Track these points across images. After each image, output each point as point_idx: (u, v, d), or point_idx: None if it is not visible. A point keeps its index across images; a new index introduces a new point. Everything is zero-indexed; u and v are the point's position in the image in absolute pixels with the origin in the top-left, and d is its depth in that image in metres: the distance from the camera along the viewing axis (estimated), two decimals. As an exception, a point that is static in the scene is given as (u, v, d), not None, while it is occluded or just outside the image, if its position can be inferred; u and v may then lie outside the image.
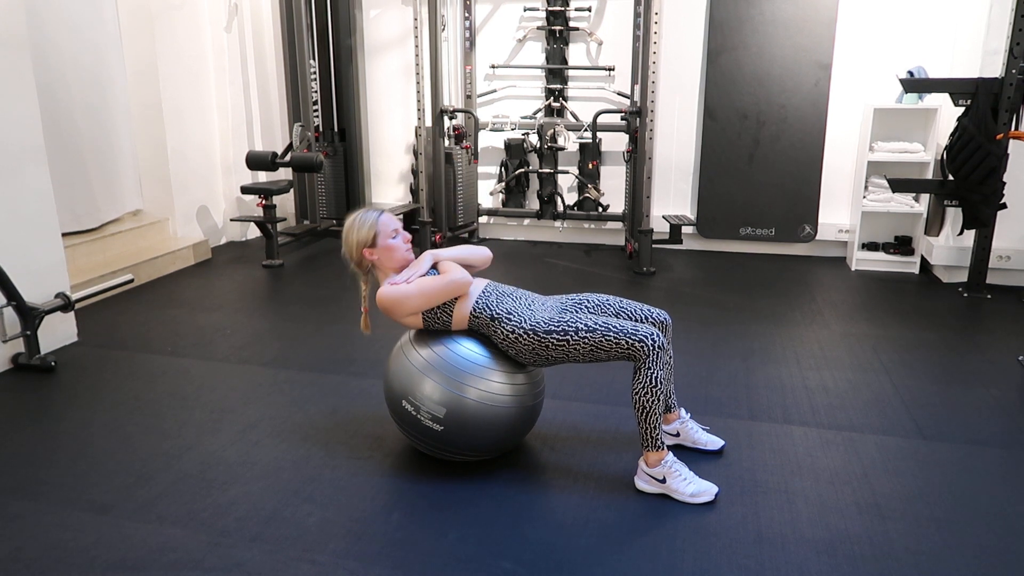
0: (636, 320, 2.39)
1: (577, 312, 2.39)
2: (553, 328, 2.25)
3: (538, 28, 5.47)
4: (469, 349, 2.32)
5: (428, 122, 5.47)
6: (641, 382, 2.19)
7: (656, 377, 2.18)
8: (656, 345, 2.18)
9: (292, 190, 5.67)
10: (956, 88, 4.15)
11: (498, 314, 2.31)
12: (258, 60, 5.82)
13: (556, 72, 5.49)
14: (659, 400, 2.19)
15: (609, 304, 2.43)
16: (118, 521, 2.14)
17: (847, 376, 3.20)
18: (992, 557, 1.99)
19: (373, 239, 2.33)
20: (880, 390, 3.06)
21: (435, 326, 2.35)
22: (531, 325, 2.27)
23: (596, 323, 2.23)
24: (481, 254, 2.50)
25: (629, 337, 2.18)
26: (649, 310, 2.43)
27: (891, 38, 4.93)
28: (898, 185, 4.53)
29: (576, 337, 2.22)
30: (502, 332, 2.29)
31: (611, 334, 2.20)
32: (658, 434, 2.23)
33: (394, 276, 2.35)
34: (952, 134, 4.21)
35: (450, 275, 2.30)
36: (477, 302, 2.33)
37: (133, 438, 2.64)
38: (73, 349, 3.51)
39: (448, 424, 2.25)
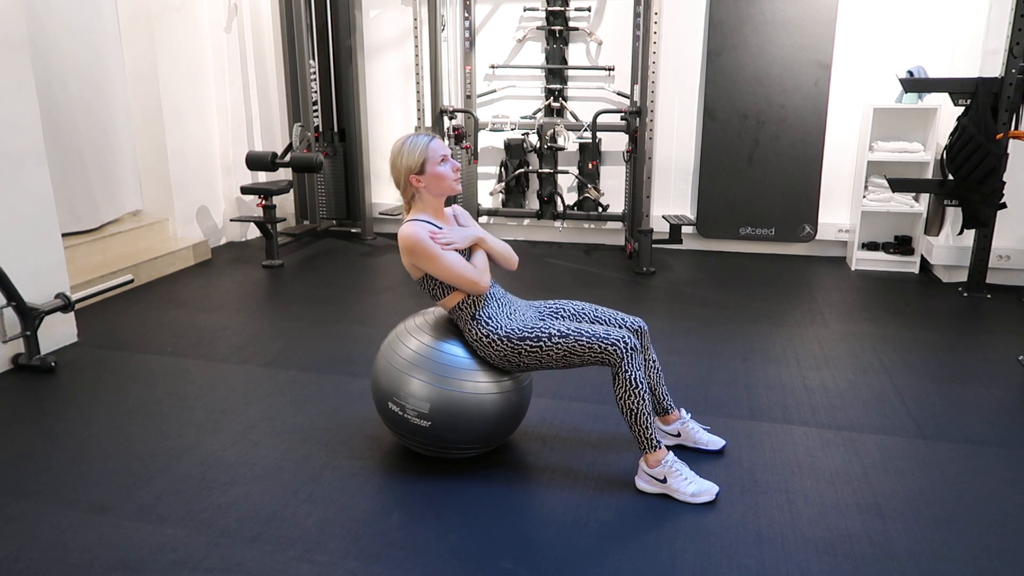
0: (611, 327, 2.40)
1: (553, 319, 2.41)
2: (527, 335, 2.27)
3: (538, 28, 5.47)
4: (452, 345, 2.34)
5: (428, 122, 5.47)
6: (621, 386, 2.21)
7: (634, 378, 2.19)
8: (628, 347, 2.20)
9: (292, 190, 5.67)
10: (956, 88, 4.15)
11: (479, 315, 2.32)
12: (258, 60, 5.82)
13: (556, 72, 5.49)
14: (644, 400, 2.20)
15: (585, 312, 2.45)
16: (118, 521, 2.14)
17: (847, 376, 3.20)
18: (993, 557, 1.99)
19: (422, 165, 2.26)
20: (880, 390, 3.06)
21: (426, 291, 2.35)
22: (506, 332, 2.29)
23: (569, 329, 2.26)
24: (513, 260, 2.49)
25: (601, 341, 2.20)
26: (624, 317, 2.45)
27: (891, 38, 4.93)
28: (898, 185, 4.53)
29: (549, 343, 2.24)
30: (477, 333, 2.31)
31: (583, 339, 2.22)
32: (651, 434, 2.23)
33: (433, 220, 2.30)
34: (952, 134, 4.20)
35: (477, 275, 2.28)
36: (468, 295, 2.33)
37: (133, 438, 2.64)
38: (73, 349, 3.51)
39: (434, 419, 2.26)
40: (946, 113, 4.54)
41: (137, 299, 4.27)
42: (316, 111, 5.64)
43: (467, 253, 2.34)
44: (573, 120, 5.50)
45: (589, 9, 5.40)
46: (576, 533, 2.09)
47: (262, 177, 5.82)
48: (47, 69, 4.17)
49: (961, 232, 4.34)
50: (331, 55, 5.67)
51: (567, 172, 5.60)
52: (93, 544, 2.04)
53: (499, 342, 2.28)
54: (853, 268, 5.00)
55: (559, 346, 2.24)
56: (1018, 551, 2.02)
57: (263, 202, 5.03)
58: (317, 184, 5.79)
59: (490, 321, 2.31)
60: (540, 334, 2.26)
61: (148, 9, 4.86)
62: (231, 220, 5.67)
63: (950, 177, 4.25)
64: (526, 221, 5.83)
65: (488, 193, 5.81)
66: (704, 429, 2.58)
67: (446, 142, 5.45)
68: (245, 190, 5.13)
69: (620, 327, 2.41)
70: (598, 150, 5.52)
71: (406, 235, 2.24)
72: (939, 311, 4.10)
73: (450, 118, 5.51)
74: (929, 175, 4.76)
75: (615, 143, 5.48)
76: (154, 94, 4.98)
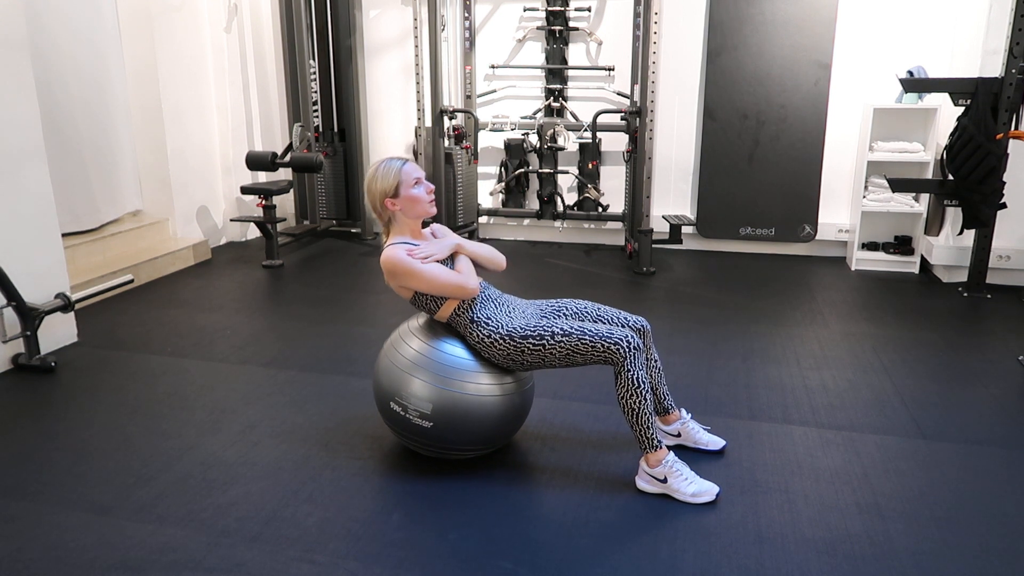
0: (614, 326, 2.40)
1: (555, 318, 2.41)
2: (529, 333, 2.27)
3: (538, 28, 5.47)
4: (454, 346, 2.34)
5: (428, 122, 5.47)
6: (623, 385, 2.21)
7: (636, 378, 2.19)
8: (631, 346, 2.20)
9: (292, 190, 5.67)
10: (956, 88, 4.15)
11: (477, 318, 2.32)
12: (258, 60, 5.82)
13: (556, 72, 5.49)
14: (645, 400, 2.20)
15: (587, 311, 2.45)
16: (118, 521, 2.14)
17: (847, 376, 3.20)
18: (993, 557, 1.99)
19: (396, 189, 2.29)
20: (880, 390, 3.06)
21: (420, 308, 2.37)
22: (508, 331, 2.29)
23: (572, 327, 2.26)
24: (499, 261, 2.49)
25: (604, 340, 2.21)
26: (627, 317, 2.45)
27: (891, 38, 4.93)
28: (898, 185, 4.53)
29: (552, 341, 2.24)
30: (478, 335, 2.31)
31: (586, 337, 2.22)
32: (652, 434, 2.23)
33: (411, 240, 2.33)
34: (952, 134, 4.20)
35: (463, 278, 2.29)
36: (463, 302, 2.33)
37: (133, 438, 2.64)
38: (73, 349, 3.51)
39: (436, 420, 2.26)
40: (946, 113, 4.54)
41: (137, 299, 4.27)
42: (316, 111, 5.64)
43: (450, 263, 2.35)
44: (573, 120, 5.50)
45: (589, 9, 5.40)
46: (576, 533, 2.09)
47: (262, 177, 5.82)
48: (47, 69, 4.16)
49: (961, 232, 4.35)
50: (331, 55, 5.67)
51: (567, 172, 5.60)
52: (93, 544, 2.04)
53: (501, 341, 2.28)
54: (853, 268, 5.00)
55: (562, 344, 2.24)
56: (1018, 551, 2.02)
57: (263, 202, 5.03)
58: (317, 184, 5.79)
59: (490, 321, 2.31)
60: (543, 332, 2.26)
61: (148, 9, 4.86)
62: (231, 220, 5.67)
63: (950, 177, 4.25)
64: (526, 221, 5.83)
65: (488, 193, 5.81)
66: (704, 429, 2.58)
67: (446, 142, 5.48)
68: (245, 190, 5.13)
69: (623, 326, 2.42)
70: (598, 150, 5.52)
71: (385, 260, 2.28)
72: (939, 311, 4.10)
73: (450, 118, 5.51)
74: (929, 175, 4.76)
75: (615, 143, 5.48)
76: (154, 94, 4.98)
